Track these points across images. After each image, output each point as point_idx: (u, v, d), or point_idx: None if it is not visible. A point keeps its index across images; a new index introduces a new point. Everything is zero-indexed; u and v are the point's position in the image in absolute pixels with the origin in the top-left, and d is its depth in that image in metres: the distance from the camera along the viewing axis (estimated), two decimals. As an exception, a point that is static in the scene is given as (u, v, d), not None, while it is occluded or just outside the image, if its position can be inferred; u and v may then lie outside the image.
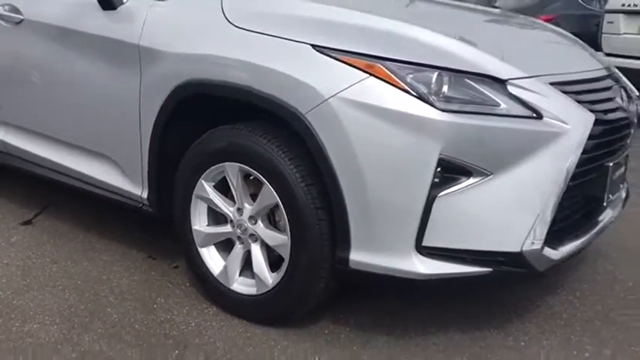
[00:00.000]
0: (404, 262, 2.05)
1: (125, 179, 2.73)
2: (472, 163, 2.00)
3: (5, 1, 3.05)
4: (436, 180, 2.00)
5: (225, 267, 2.48)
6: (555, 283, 2.81)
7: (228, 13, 2.33)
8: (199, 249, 2.52)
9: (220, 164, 2.36)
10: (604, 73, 2.51)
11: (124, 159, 2.71)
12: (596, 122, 2.19)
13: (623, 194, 2.75)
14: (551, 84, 2.15)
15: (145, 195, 2.67)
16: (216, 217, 2.50)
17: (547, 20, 6.14)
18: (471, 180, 2.02)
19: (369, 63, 2.02)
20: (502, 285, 2.63)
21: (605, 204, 2.40)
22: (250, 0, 2.41)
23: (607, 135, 2.28)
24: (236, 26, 2.28)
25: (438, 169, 2.00)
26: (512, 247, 2.07)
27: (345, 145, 2.03)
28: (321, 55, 2.08)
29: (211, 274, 2.50)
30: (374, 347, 2.31)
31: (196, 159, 2.43)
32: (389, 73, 1.99)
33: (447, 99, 2.00)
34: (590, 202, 2.39)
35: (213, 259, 2.52)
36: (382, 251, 2.08)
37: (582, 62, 2.54)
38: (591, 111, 2.19)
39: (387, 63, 2.01)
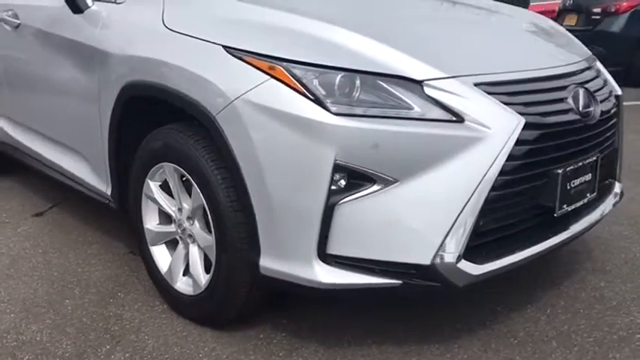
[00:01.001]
0: (306, 270, 1.98)
1: (94, 176, 2.84)
2: (373, 169, 1.90)
3: (9, 7, 3.25)
4: (336, 186, 1.91)
5: (170, 266, 2.51)
6: (530, 297, 2.60)
7: (166, 17, 2.35)
8: (150, 247, 2.57)
9: (160, 164, 2.39)
10: (566, 70, 2.28)
11: (91, 156, 2.81)
12: (529, 126, 2.00)
13: (607, 202, 2.50)
14: (476, 85, 1.99)
15: (108, 192, 2.76)
16: (166, 216, 2.54)
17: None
18: (375, 187, 1.91)
19: (271, 64, 1.96)
20: (422, 299, 2.47)
21: (556, 215, 2.18)
22: (185, 3, 2.41)
23: (549, 139, 2.08)
24: (169, 29, 2.30)
25: (338, 175, 1.90)
26: (423, 259, 1.94)
27: (250, 149, 1.99)
28: (231, 57, 2.05)
29: (159, 272, 2.55)
30: (300, 355, 2.26)
31: (142, 159, 2.48)
32: (288, 75, 1.93)
33: (350, 102, 1.91)
34: (540, 213, 2.18)
35: (162, 258, 2.56)
36: (287, 258, 2.02)
37: (541, 59, 2.32)
38: (524, 114, 2.00)
39: (288, 65, 1.95)
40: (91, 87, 2.65)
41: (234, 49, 2.05)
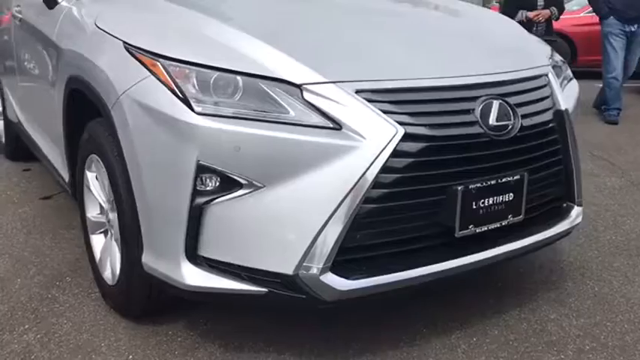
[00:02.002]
0: (175, 270, 1.97)
1: (62, 164, 2.98)
2: (238, 172, 1.85)
3: (18, 3, 3.51)
4: (204, 187, 1.88)
5: (100, 255, 2.58)
6: (465, 322, 2.44)
7: (99, 16, 2.43)
8: (90, 235, 2.66)
9: (90, 155, 2.47)
10: (479, 80, 2.10)
11: (59, 145, 2.95)
12: (413, 138, 1.88)
13: (553, 227, 2.30)
14: (358, 91, 1.89)
15: (67, 180, 2.89)
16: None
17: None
18: (242, 191, 1.87)
19: (152, 61, 1.97)
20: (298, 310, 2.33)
21: (457, 235, 2.02)
22: (116, 5, 2.48)
23: (442, 153, 1.93)
24: (97, 27, 2.37)
25: (205, 176, 1.88)
26: (286, 268, 1.87)
27: (131, 144, 2.02)
28: (126, 52, 2.08)
29: (94, 261, 2.63)
30: (193, 356, 2.24)
31: (80, 150, 2.57)
32: (164, 72, 1.93)
33: (219, 103, 1.87)
34: (440, 233, 2.03)
35: (98, 247, 2.64)
36: (161, 257, 2.02)
37: (450, 67, 2.14)
38: (408, 124, 1.88)
39: (165, 62, 1.94)
40: (53, 79, 2.79)
41: (130, 45, 2.08)
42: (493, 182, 2.04)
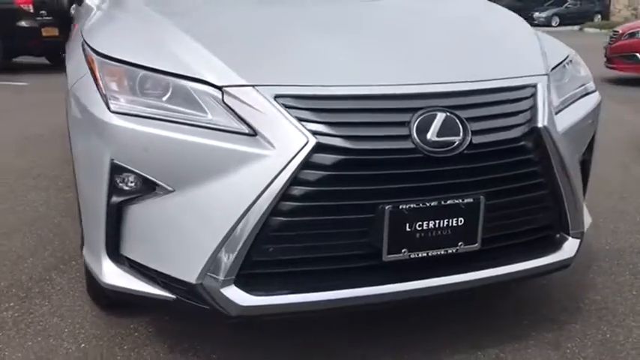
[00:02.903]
0: (97, 265, 1.98)
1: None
2: (150, 174, 1.82)
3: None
4: (122, 186, 1.87)
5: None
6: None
7: (85, 23, 2.52)
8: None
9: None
10: (425, 90, 1.88)
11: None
12: (329, 149, 1.73)
13: (530, 261, 2.04)
14: (277, 97, 1.77)
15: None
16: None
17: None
18: (155, 193, 1.84)
19: (92, 58, 1.99)
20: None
21: (385, 259, 1.83)
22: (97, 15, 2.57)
23: (365, 168, 1.76)
24: (81, 32, 2.45)
25: (123, 175, 1.86)
26: (190, 276, 1.81)
27: (71, 136, 2.07)
28: (81, 51, 2.12)
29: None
30: (138, 354, 2.23)
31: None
32: (97, 69, 1.94)
33: (135, 102, 1.84)
34: (367, 255, 1.85)
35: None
36: (90, 250, 2.04)
37: (394, 74, 1.93)
38: (325, 134, 1.73)
39: (101, 59, 1.95)
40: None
41: (84, 42, 2.11)
42: (434, 204, 1.83)
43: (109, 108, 1.84)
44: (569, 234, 2.15)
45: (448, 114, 1.83)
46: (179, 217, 1.81)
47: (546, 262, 2.10)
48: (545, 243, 2.14)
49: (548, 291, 2.68)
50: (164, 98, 1.84)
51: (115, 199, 1.87)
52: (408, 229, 1.82)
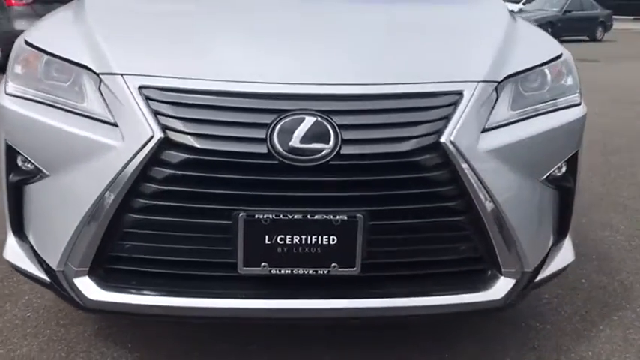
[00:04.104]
0: (5, 245, 2.05)
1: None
2: (32, 157, 1.85)
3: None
4: (23, 167, 1.91)
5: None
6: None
7: None
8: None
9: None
10: (305, 91, 1.68)
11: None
12: (180, 148, 1.64)
13: (434, 297, 1.79)
14: (141, 87, 1.70)
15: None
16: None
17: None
18: (38, 177, 1.86)
19: (20, 45, 2.06)
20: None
21: (241, 272, 1.68)
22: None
23: (213, 170, 1.63)
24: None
25: (21, 156, 1.91)
26: (53, 262, 1.81)
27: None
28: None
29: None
30: (75, 351, 2.22)
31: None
32: (19, 55, 1.99)
33: (27, 84, 1.87)
34: (221, 265, 1.72)
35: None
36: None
37: (288, 72, 1.74)
38: (177, 130, 1.64)
39: (20, 45, 2.01)
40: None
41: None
42: (298, 217, 1.64)
43: (5, 90, 1.89)
44: (500, 272, 1.82)
45: (318, 119, 1.63)
46: (50, 202, 1.81)
47: (462, 301, 1.80)
48: (468, 279, 1.84)
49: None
50: (55, 83, 1.84)
51: (12, 178, 1.91)
52: (267, 242, 1.65)
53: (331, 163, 1.62)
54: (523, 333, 2.35)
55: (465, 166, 1.68)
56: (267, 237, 1.65)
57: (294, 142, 1.61)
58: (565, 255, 2.08)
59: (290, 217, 1.64)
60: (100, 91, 1.75)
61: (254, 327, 2.22)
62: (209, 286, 1.73)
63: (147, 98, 1.68)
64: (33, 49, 1.93)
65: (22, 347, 2.23)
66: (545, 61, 2.01)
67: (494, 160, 1.75)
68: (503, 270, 1.82)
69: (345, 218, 1.65)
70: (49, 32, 2.06)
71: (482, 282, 1.82)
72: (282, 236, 1.66)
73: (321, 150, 1.62)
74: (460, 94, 1.75)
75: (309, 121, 1.63)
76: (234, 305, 1.72)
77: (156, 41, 1.90)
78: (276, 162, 1.61)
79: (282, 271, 1.69)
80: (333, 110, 1.65)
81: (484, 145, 1.74)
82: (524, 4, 21.82)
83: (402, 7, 2.28)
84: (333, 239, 1.67)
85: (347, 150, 1.63)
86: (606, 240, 3.26)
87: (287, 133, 1.62)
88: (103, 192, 1.66)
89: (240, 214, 1.63)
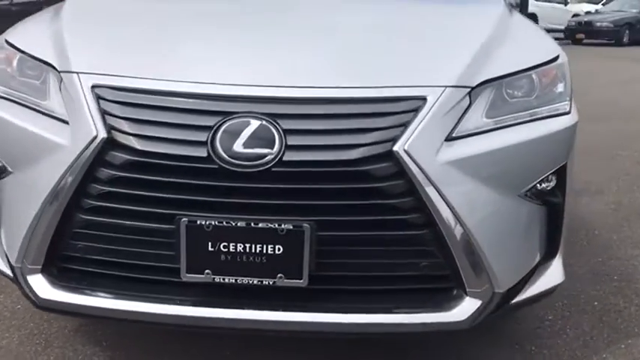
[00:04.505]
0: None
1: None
2: (-1, 154, 1.87)
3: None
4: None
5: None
6: None
7: None
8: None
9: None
10: (254, 93, 1.61)
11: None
12: (123, 148, 1.60)
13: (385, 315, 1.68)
14: (94, 86, 1.68)
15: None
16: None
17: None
18: (7, 172, 1.88)
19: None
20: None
21: (184, 279, 1.63)
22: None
23: (154, 173, 1.58)
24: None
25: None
26: (12, 257, 1.82)
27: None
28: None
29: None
30: (51, 351, 2.25)
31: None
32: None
33: (11, 84, 1.88)
34: (166, 270, 1.67)
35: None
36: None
37: (262, 73, 1.66)
38: (123, 132, 1.60)
39: (5, 45, 2.02)
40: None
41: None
42: (241, 225, 1.58)
43: None
44: (464, 292, 1.70)
45: (263, 122, 1.56)
46: (12, 198, 1.82)
47: (422, 321, 1.68)
48: (431, 297, 1.72)
49: None
50: (28, 81, 1.85)
51: (-13, 174, 1.94)
52: (210, 249, 1.60)
53: (274, 169, 1.54)
54: (510, 356, 2.19)
55: (421, 176, 1.57)
56: (210, 244, 1.60)
57: (237, 146, 1.55)
58: (553, 276, 1.93)
59: (233, 224, 1.58)
60: (60, 89, 1.75)
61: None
62: (155, 291, 1.69)
63: (98, 97, 1.65)
64: (9, 48, 1.95)
65: (3, 339, 2.26)
66: (535, 64, 1.86)
67: (459, 170, 1.62)
68: (468, 290, 1.70)
69: (291, 228, 1.57)
70: (27, 31, 2.07)
71: (447, 301, 1.71)
72: (226, 244, 1.59)
73: (265, 155, 1.55)
74: (423, 99, 1.63)
75: (254, 124, 1.56)
76: (178, 312, 1.67)
77: (117, 41, 1.88)
78: (216, 166, 1.55)
79: (227, 280, 1.63)
80: (280, 114, 1.58)
81: (448, 154, 1.62)
82: (603, 4, 20.90)
83: (384, 7, 2.17)
84: (279, 249, 1.59)
85: (290, 156, 1.55)
86: (635, 260, 3.02)
87: (230, 136, 1.55)
88: (52, 191, 1.65)
89: (183, 220, 1.58)
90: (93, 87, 1.67)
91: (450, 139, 1.65)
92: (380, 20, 2.06)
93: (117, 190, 1.61)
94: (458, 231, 1.63)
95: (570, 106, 1.86)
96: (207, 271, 1.62)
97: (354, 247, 1.63)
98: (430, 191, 1.58)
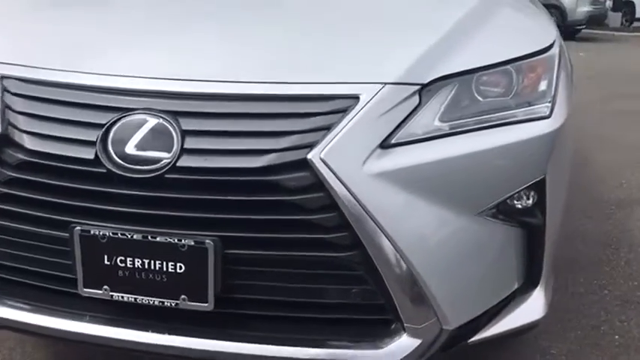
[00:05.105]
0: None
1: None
2: None
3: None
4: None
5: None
6: None
7: None
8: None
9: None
10: (152, 87, 1.40)
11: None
12: (16, 147, 1.44)
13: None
14: (4, 77, 1.52)
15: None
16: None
17: None
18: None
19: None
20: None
21: (84, 293, 1.46)
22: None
23: (41, 175, 1.42)
24: None
25: None
26: None
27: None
28: None
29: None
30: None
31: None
32: None
33: None
34: (66, 282, 1.50)
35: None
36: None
37: (181, 64, 1.45)
38: (19, 129, 1.44)
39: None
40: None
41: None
42: (137, 237, 1.39)
43: None
44: (402, 326, 1.43)
45: (161, 121, 1.36)
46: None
47: (348, 357, 1.44)
48: (365, 330, 1.47)
49: None
50: None
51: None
52: (107, 262, 1.42)
53: (167, 176, 1.34)
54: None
55: (340, 189, 1.32)
56: (106, 257, 1.42)
57: (129, 148, 1.35)
58: (531, 310, 1.62)
59: (129, 236, 1.39)
60: None
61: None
62: (57, 303, 1.53)
63: (4, 90, 1.50)
64: None
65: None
66: (517, 56, 1.56)
67: (395, 183, 1.36)
68: (406, 325, 1.43)
69: (192, 244, 1.37)
70: None
71: (381, 337, 1.45)
72: (123, 258, 1.41)
73: (159, 160, 1.34)
74: (355, 98, 1.38)
75: (150, 123, 1.36)
76: (77, 328, 1.50)
77: (29, 28, 1.72)
78: (104, 170, 1.36)
79: (126, 298, 1.44)
80: (181, 112, 1.37)
81: (381, 164, 1.36)
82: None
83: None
84: (181, 267, 1.39)
85: (186, 162, 1.34)
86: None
87: (124, 136, 1.36)
88: None
89: (76, 228, 1.41)
90: (2, 78, 1.52)
91: (386, 145, 1.39)
92: (319, 3, 1.80)
93: (12, 192, 1.46)
94: (390, 255, 1.37)
95: (552, 109, 1.54)
96: (105, 286, 1.44)
97: (269, 269, 1.41)
98: (352, 207, 1.33)
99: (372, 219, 1.34)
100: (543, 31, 1.73)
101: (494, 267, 1.54)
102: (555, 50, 1.64)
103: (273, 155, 1.33)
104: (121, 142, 1.36)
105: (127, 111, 1.38)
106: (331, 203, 1.34)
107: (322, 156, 1.31)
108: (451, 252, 1.44)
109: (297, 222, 1.35)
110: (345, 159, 1.33)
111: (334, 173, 1.31)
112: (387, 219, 1.35)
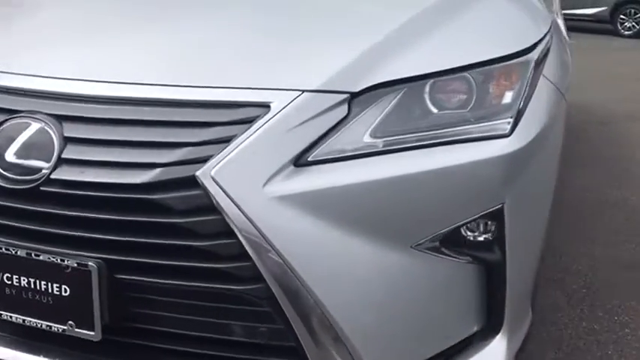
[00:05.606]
0: None
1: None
2: None
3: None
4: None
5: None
6: None
7: None
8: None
9: None
10: (46, 88, 1.24)
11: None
12: None
13: None
14: None
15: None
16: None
17: None
18: None
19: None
20: None
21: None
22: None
23: None
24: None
25: None
26: None
27: None
28: None
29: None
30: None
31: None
32: None
33: None
34: None
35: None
36: None
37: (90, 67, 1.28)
38: None
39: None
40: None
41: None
42: (22, 254, 1.24)
43: None
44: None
45: (43, 126, 1.20)
46: None
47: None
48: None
49: None
50: None
51: None
52: (-1, 281, 1.29)
53: (42, 188, 1.18)
54: None
55: (233, 213, 1.13)
56: (-2, 275, 1.28)
57: (9, 155, 1.21)
58: (495, 347, 1.38)
59: (13, 252, 1.25)
60: None
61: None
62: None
63: None
64: None
65: None
66: (480, 60, 1.32)
67: (306, 207, 1.16)
68: (313, 364, 1.22)
69: (75, 265, 1.21)
70: None
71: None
72: (9, 275, 1.27)
73: (39, 170, 1.19)
74: (266, 107, 1.18)
75: (32, 128, 1.21)
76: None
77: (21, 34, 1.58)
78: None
79: (14, 319, 1.30)
80: (65, 116, 1.21)
81: (290, 185, 1.16)
82: None
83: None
84: (66, 290, 1.24)
85: (60, 174, 1.18)
86: None
87: (6, 142, 1.22)
88: None
89: (-25, 238, 1.28)
90: None
91: (301, 163, 1.18)
92: (252, 3, 1.59)
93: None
94: (297, 292, 1.17)
95: (513, 126, 1.28)
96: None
97: (165, 298, 1.24)
98: (249, 234, 1.14)
99: (273, 249, 1.14)
100: (527, 30, 1.47)
101: (436, 308, 1.31)
102: (533, 55, 1.38)
103: (158, 170, 1.15)
104: (3, 148, 1.21)
105: (14, 113, 1.23)
106: (227, 229, 1.15)
107: (213, 173, 1.12)
108: (376, 291, 1.22)
109: (187, 248, 1.17)
110: (241, 177, 1.14)
111: (226, 194, 1.12)
112: (294, 250, 1.15)
